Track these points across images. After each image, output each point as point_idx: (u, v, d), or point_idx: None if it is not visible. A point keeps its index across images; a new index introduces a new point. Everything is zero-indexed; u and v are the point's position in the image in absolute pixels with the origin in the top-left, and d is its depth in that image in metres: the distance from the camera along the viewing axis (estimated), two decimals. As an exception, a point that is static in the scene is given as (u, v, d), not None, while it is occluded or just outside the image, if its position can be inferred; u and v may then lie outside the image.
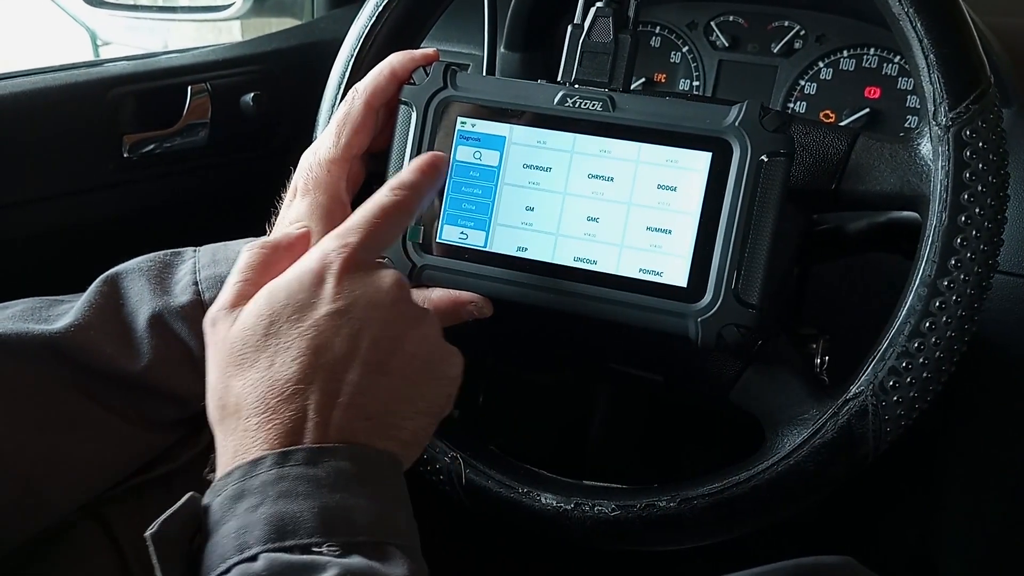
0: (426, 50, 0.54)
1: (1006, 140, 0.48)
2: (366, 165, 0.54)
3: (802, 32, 0.84)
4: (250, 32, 1.24)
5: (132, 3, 1.20)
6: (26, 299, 0.50)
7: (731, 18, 0.87)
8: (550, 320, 0.55)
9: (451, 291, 0.52)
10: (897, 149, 0.51)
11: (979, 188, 0.47)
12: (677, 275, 0.49)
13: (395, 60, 0.53)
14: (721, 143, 0.48)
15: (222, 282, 0.46)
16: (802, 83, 0.85)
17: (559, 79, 0.53)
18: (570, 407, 1.12)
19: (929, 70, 0.48)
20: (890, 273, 0.71)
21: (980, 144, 0.47)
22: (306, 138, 0.57)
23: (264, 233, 0.53)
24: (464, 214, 0.51)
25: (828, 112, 0.84)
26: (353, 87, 0.53)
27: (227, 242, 0.52)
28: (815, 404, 0.51)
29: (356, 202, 0.48)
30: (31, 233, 0.83)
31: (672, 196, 0.49)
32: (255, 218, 0.57)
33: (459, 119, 0.52)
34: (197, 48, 0.96)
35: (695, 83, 0.89)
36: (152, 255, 0.52)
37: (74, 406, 0.47)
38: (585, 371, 0.68)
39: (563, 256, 0.50)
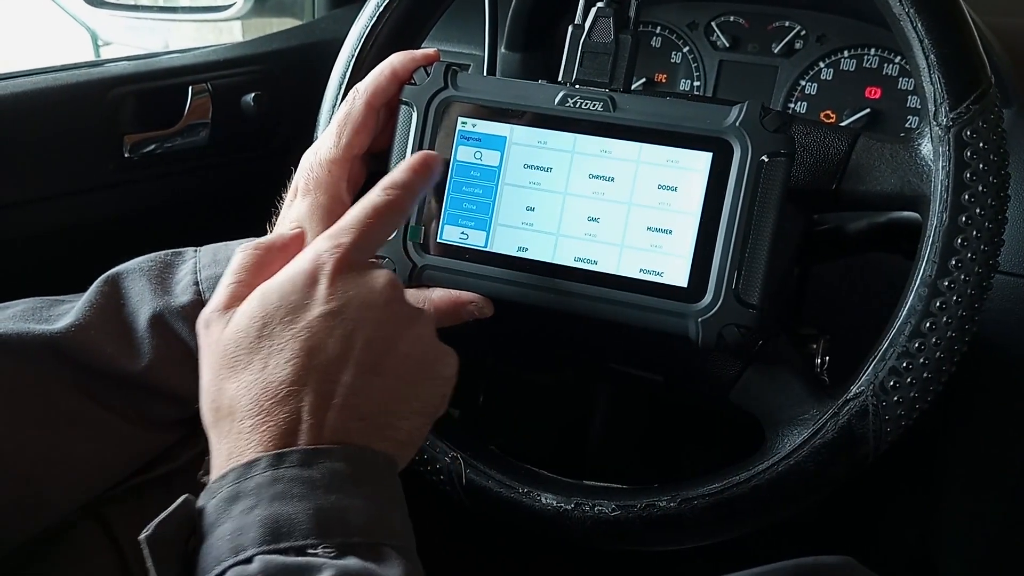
0: (427, 50, 0.54)
1: (1007, 140, 0.48)
2: (367, 165, 0.54)
3: (803, 32, 0.84)
4: (251, 32, 1.24)
5: (133, 3, 1.20)
6: (26, 299, 0.50)
7: (732, 18, 0.87)
8: (550, 320, 0.55)
9: (451, 291, 0.52)
10: (898, 149, 0.51)
11: (980, 188, 0.47)
12: (677, 275, 0.49)
13: (396, 60, 0.53)
14: (722, 143, 0.48)
15: None
16: (803, 83, 0.85)
17: (560, 79, 0.53)
18: (570, 407, 1.12)
19: (930, 70, 0.48)
20: (890, 273, 0.71)
21: (981, 144, 0.47)
22: (307, 138, 0.57)
23: (265, 233, 0.53)
24: (465, 214, 0.51)
25: (829, 112, 0.84)
26: (354, 87, 0.53)
27: (228, 242, 0.52)
28: (815, 404, 0.51)
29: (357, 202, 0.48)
30: (31, 233, 0.83)
31: (673, 196, 0.49)
32: (255, 218, 0.57)
33: (460, 119, 0.52)
34: (198, 48, 0.97)
35: (696, 83, 0.89)
36: (153, 255, 0.52)
37: (74, 406, 0.47)
38: (585, 371, 0.68)
39: (563, 256, 0.50)
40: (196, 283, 0.50)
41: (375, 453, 0.39)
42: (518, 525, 0.57)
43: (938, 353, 0.47)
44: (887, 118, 0.82)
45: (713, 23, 0.87)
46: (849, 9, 0.82)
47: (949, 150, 0.47)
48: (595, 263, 0.50)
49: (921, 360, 0.48)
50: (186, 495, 0.38)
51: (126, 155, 0.87)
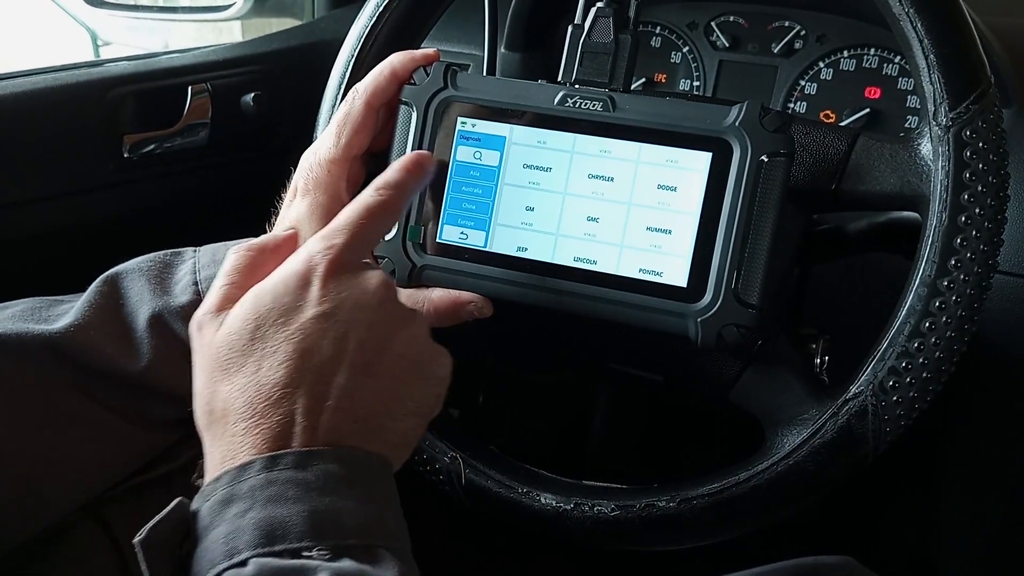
0: (426, 50, 0.54)
1: (1006, 140, 0.48)
2: (366, 165, 0.54)
3: (802, 32, 0.84)
4: (250, 32, 1.24)
5: (132, 3, 1.20)
6: (26, 299, 0.50)
7: (731, 18, 0.87)
8: (550, 320, 0.55)
9: (451, 291, 0.52)
10: (897, 149, 0.51)
11: (979, 188, 0.47)
12: (677, 275, 0.49)
13: (395, 60, 0.53)
14: (721, 143, 0.48)
15: None
16: (802, 83, 0.85)
17: (559, 79, 0.53)
18: (570, 407, 1.12)
19: (929, 70, 0.48)
20: (890, 273, 0.71)
21: (980, 144, 0.47)
22: (306, 138, 0.57)
23: (265, 233, 0.53)
24: (464, 214, 0.51)
25: (828, 112, 0.84)
26: (353, 87, 0.53)
27: (227, 242, 0.52)
28: (815, 404, 0.51)
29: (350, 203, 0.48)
30: (31, 233, 0.83)
31: (672, 196, 0.49)
32: (255, 218, 0.57)
33: (459, 119, 0.52)
34: (197, 48, 0.97)
35: (695, 83, 0.89)
36: (152, 255, 0.52)
37: (74, 406, 0.47)
38: (585, 371, 0.68)
39: (563, 256, 0.50)
40: (195, 283, 0.50)
41: (369, 455, 0.39)
42: (517, 525, 0.56)
43: (937, 353, 0.47)
44: (887, 118, 0.82)
45: (713, 23, 0.87)
46: (849, 9, 0.82)
47: (949, 150, 0.47)
48: (594, 263, 0.50)
49: (920, 360, 0.48)
50: (180, 498, 0.38)
51: (126, 155, 0.87)
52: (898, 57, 0.81)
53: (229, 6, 1.08)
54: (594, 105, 0.49)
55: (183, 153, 0.92)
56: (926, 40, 0.48)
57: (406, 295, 0.52)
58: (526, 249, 0.51)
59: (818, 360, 0.56)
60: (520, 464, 0.59)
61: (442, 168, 0.52)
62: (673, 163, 0.49)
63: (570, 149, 0.50)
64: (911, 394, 0.48)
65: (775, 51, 0.85)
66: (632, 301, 0.49)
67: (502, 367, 0.92)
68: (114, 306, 0.49)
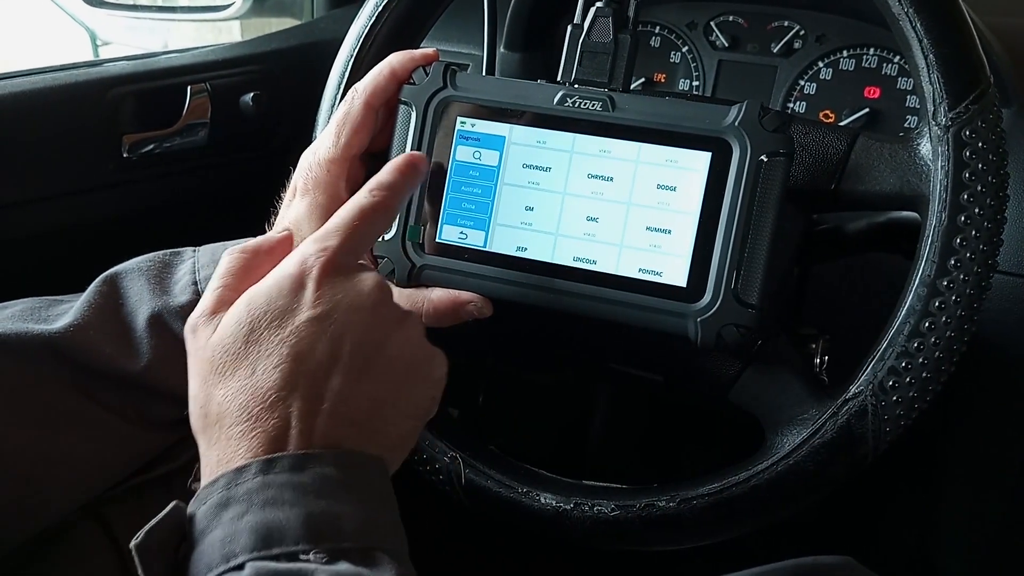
0: (426, 50, 0.54)
1: (1006, 140, 0.48)
2: (365, 165, 0.54)
3: (802, 32, 0.84)
4: (250, 32, 1.24)
5: (132, 3, 1.20)
6: (26, 299, 0.50)
7: (731, 18, 0.87)
8: (550, 320, 0.55)
9: (451, 291, 0.51)
10: (897, 149, 0.51)
11: (979, 188, 0.47)
12: (677, 275, 0.49)
13: (395, 60, 0.53)
14: (721, 143, 0.48)
15: None
16: (802, 83, 0.85)
17: (559, 79, 0.52)
18: (570, 407, 1.12)
19: (929, 70, 0.48)
20: (890, 273, 0.71)
21: (980, 144, 0.47)
22: (306, 138, 0.57)
23: (264, 232, 0.53)
24: (464, 214, 0.51)
25: (828, 112, 0.84)
26: (353, 87, 0.53)
27: (226, 242, 0.52)
28: (815, 404, 0.51)
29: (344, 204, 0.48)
30: (31, 233, 0.83)
31: (672, 196, 0.49)
32: (255, 218, 0.57)
33: (459, 119, 0.52)
34: (197, 48, 0.97)
35: (695, 83, 0.89)
36: (151, 255, 0.52)
37: (74, 406, 0.47)
38: (585, 371, 0.68)
39: (563, 256, 0.50)
40: (195, 283, 0.50)
41: (365, 457, 0.39)
42: (517, 525, 0.56)
43: (937, 353, 0.47)
44: (886, 118, 0.82)
45: (712, 23, 0.87)
46: (848, 9, 0.82)
47: (948, 150, 0.47)
48: (594, 263, 0.50)
49: (920, 360, 0.48)
50: (176, 501, 0.37)
51: (125, 155, 0.87)
52: (898, 57, 0.81)
53: (228, 6, 1.08)
54: (593, 105, 0.49)
55: (182, 153, 0.92)
56: (925, 40, 0.48)
57: (405, 295, 0.52)
58: (526, 249, 0.51)
59: (818, 360, 0.56)
60: (520, 464, 0.59)
61: (441, 168, 0.52)
62: (673, 163, 0.49)
63: (569, 149, 0.50)
64: (911, 394, 0.48)
65: (774, 51, 0.85)
66: (632, 301, 0.49)
67: (502, 367, 0.92)
68: (113, 306, 0.49)
